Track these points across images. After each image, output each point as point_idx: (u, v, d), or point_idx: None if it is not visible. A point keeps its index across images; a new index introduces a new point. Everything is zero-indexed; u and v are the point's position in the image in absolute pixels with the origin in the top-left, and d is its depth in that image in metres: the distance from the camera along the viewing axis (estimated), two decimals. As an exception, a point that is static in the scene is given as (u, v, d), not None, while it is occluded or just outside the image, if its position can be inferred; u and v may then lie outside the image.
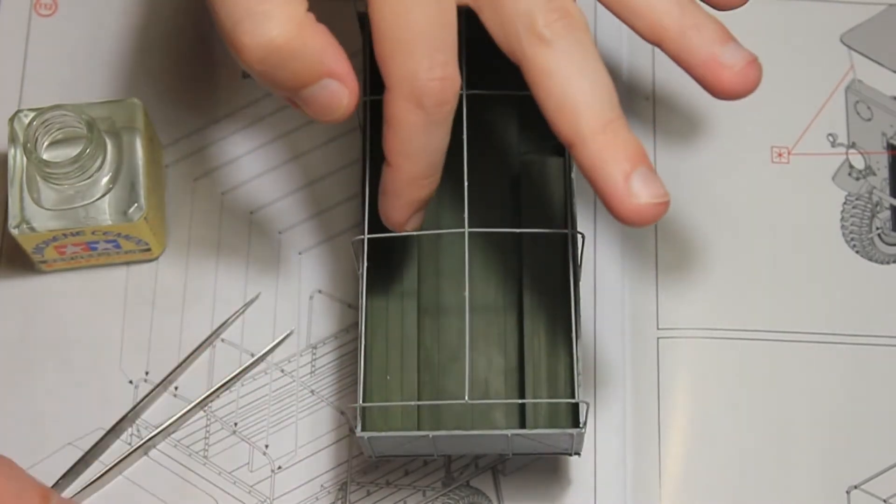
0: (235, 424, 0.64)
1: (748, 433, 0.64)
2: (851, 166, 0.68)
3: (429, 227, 0.61)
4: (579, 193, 0.63)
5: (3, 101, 0.69)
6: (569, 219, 0.60)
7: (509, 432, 0.57)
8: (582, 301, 0.63)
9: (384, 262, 0.62)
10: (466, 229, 0.57)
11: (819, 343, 0.65)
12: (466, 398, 0.55)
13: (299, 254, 0.67)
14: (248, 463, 0.64)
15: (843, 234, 0.67)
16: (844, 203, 0.68)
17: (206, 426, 0.64)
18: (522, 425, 0.60)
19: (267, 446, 0.64)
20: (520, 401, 0.60)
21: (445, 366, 0.62)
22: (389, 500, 0.63)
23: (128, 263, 0.66)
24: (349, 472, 0.63)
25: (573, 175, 0.61)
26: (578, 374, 0.58)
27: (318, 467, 0.63)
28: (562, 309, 0.61)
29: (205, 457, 0.64)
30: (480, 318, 0.62)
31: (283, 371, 0.65)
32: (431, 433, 0.56)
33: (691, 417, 0.64)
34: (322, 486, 0.63)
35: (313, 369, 0.65)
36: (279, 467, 0.64)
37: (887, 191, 0.68)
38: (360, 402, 0.57)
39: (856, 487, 0.63)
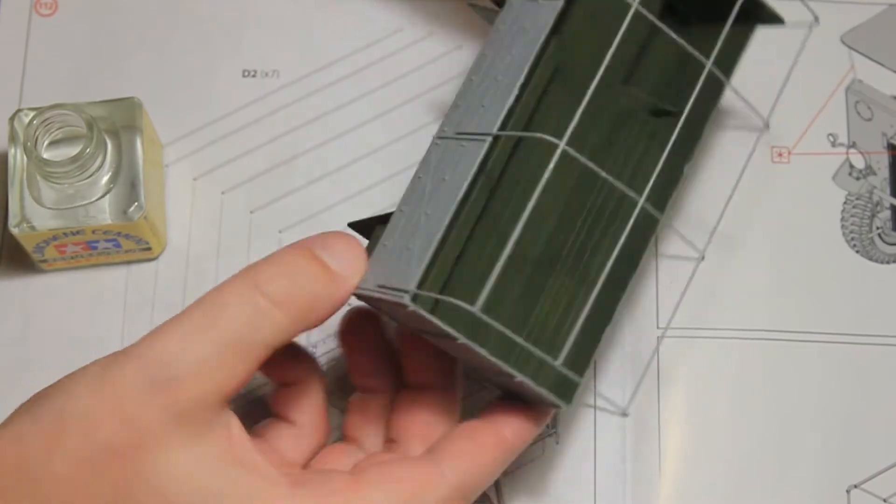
0: (235, 424, 0.64)
1: (748, 433, 0.64)
2: (852, 166, 0.68)
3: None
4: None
5: (4, 101, 0.69)
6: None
7: (506, 367, 0.54)
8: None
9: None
10: (563, 143, 0.53)
11: (819, 343, 0.65)
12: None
13: (299, 253, 0.67)
14: (248, 462, 0.64)
15: (844, 234, 0.67)
16: (845, 203, 0.68)
17: (206, 425, 0.64)
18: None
19: (267, 445, 0.64)
20: (537, 351, 0.54)
21: (537, 282, 0.59)
22: (389, 500, 0.63)
23: (128, 263, 0.66)
24: (349, 472, 0.63)
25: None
26: (593, 360, 0.57)
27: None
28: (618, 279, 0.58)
29: (205, 456, 0.64)
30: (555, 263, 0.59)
31: (283, 370, 0.65)
32: (461, 338, 0.53)
33: (691, 417, 0.64)
34: (322, 485, 0.63)
35: (313, 369, 0.65)
36: (279, 466, 0.64)
37: (888, 190, 0.68)
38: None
39: (856, 487, 0.63)
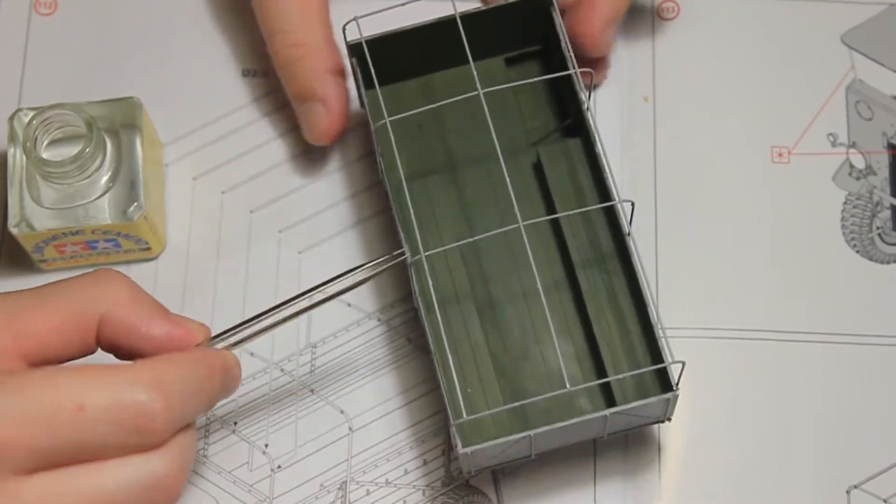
0: (235, 423, 0.64)
1: (748, 433, 0.64)
2: (852, 166, 0.68)
3: (463, 229, 0.64)
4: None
5: (3, 100, 0.69)
6: (613, 190, 0.61)
7: (608, 412, 0.57)
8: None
9: (432, 274, 0.60)
10: (521, 223, 0.58)
11: (819, 343, 0.65)
12: (567, 386, 0.56)
13: (299, 253, 0.67)
14: (247, 462, 0.64)
15: (844, 234, 0.67)
16: (845, 203, 0.68)
17: (206, 425, 0.64)
18: (609, 405, 0.60)
19: (266, 445, 0.64)
20: (619, 376, 0.60)
21: (518, 366, 0.62)
22: (389, 499, 0.63)
23: (127, 263, 0.66)
24: (348, 471, 0.63)
25: (602, 151, 0.62)
26: (663, 337, 0.59)
27: (317, 466, 0.63)
28: (617, 282, 0.62)
29: (204, 455, 0.64)
30: (539, 310, 0.62)
31: (282, 370, 0.65)
32: (532, 432, 0.57)
33: (691, 417, 0.64)
34: (322, 485, 0.63)
35: (313, 368, 0.65)
36: (279, 466, 0.64)
37: (888, 190, 0.68)
38: (453, 419, 0.58)
39: (856, 487, 0.63)
